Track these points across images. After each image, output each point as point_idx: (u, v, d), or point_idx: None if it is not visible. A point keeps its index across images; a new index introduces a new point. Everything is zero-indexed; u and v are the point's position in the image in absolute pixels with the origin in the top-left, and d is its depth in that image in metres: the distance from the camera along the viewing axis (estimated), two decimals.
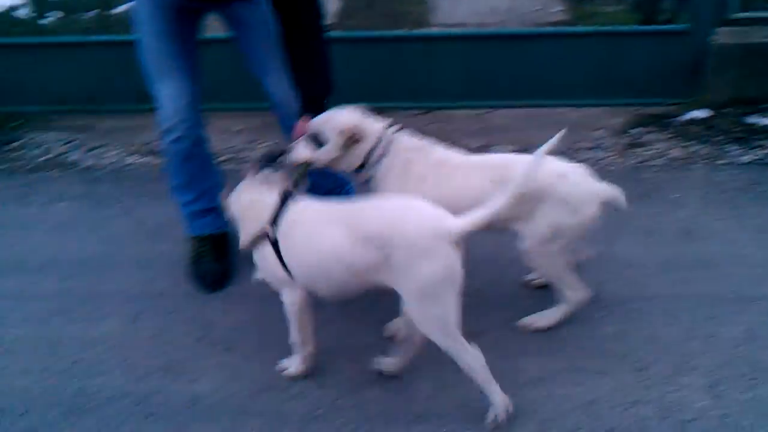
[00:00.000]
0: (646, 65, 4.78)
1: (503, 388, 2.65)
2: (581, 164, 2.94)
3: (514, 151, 4.39)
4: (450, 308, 2.44)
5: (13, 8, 6.54)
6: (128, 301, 3.28)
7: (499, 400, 2.60)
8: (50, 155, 4.71)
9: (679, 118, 4.72)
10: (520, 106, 4.93)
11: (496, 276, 3.38)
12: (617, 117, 4.83)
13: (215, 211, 3.45)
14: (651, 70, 4.77)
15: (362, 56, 4.50)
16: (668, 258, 3.48)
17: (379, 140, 3.00)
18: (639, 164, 4.31)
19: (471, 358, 2.53)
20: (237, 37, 3.36)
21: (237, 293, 3.36)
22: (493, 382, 2.58)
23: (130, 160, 4.67)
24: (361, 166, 3.03)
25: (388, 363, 2.85)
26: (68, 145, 4.84)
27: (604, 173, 4.13)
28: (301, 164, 3.01)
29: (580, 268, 3.20)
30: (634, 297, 3.24)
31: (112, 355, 3.00)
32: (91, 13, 6.57)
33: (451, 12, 4.95)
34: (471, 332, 3.00)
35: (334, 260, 2.50)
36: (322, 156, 3.00)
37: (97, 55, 4.93)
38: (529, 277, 3.34)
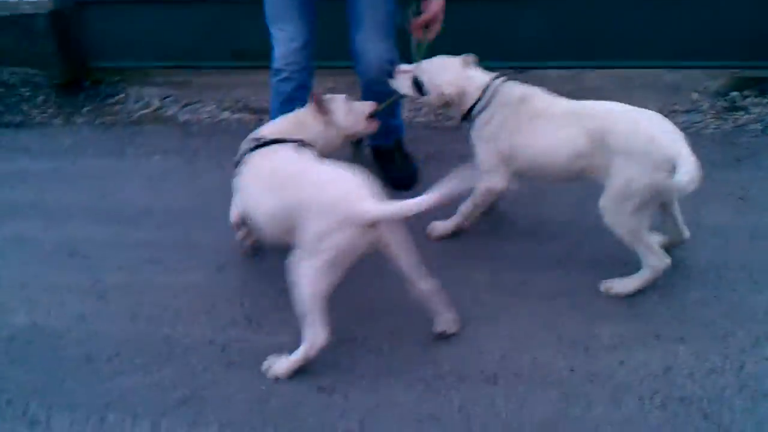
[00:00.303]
0: (748, 26, 4.58)
1: (576, 352, 2.66)
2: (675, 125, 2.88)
3: None
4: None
5: None
6: (215, 252, 3.40)
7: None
8: (148, 110, 4.88)
9: None
10: (615, 67, 4.80)
11: (581, 238, 3.35)
12: (715, 80, 4.66)
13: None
14: (753, 31, 4.57)
15: (452, 13, 4.46)
16: (758, 225, 3.37)
17: (484, 93, 3.12)
18: (735, 128, 4.17)
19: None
20: None
21: None
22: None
23: (224, 115, 4.79)
24: (465, 117, 3.17)
25: (446, 321, 2.90)
26: (166, 100, 4.99)
27: (698, 137, 4.07)
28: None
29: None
30: (720, 264, 3.16)
31: (199, 304, 3.12)
32: None
33: None
34: (550, 293, 3.03)
35: (269, 219, 2.74)
36: (422, 102, 3.25)
37: (196, 12, 5.04)
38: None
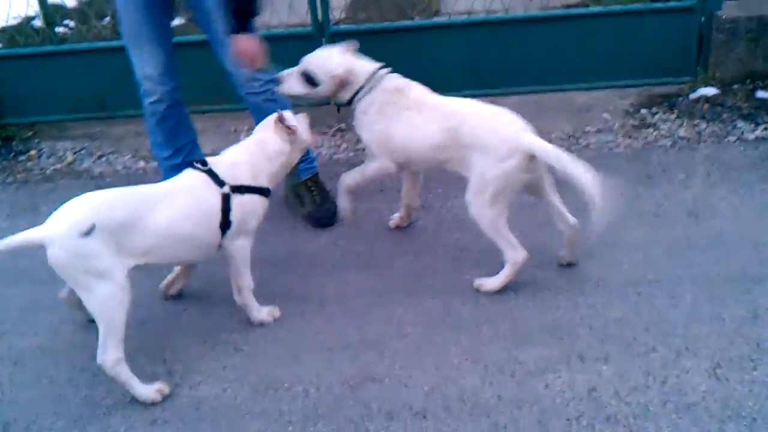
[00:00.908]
0: (654, 44, 4.73)
1: (502, 379, 2.68)
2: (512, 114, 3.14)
3: None
4: None
5: (29, 18, 6.62)
6: (135, 307, 3.29)
7: None
8: (62, 164, 4.77)
9: (687, 97, 4.66)
10: (527, 92, 4.89)
11: (500, 265, 3.37)
12: (625, 99, 4.78)
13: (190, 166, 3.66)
14: (659, 49, 4.72)
15: (371, 48, 4.50)
16: (674, 240, 3.45)
17: (368, 80, 3.35)
18: (646, 145, 4.27)
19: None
20: (197, 19, 3.67)
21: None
22: None
23: (140, 164, 4.71)
24: (350, 102, 3.39)
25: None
26: (80, 153, 4.90)
27: (611, 156, 4.16)
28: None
29: (587, 253, 3.20)
30: (639, 280, 3.22)
31: None
32: (105, 21, 6.63)
33: (458, 0, 4.93)
34: (474, 322, 3.04)
35: None
36: (314, 94, 3.39)
37: (106, 62, 4.98)
38: (559, 258, 3.38)
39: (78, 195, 2.78)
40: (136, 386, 2.82)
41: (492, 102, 3.26)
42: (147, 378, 2.92)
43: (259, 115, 3.52)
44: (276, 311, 3.22)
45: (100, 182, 4.51)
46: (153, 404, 2.81)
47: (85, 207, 2.70)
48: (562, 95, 4.88)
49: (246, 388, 2.86)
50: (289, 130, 3.17)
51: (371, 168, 3.43)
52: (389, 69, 3.42)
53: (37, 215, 4.12)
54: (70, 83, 5.05)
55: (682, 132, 4.34)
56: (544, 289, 3.20)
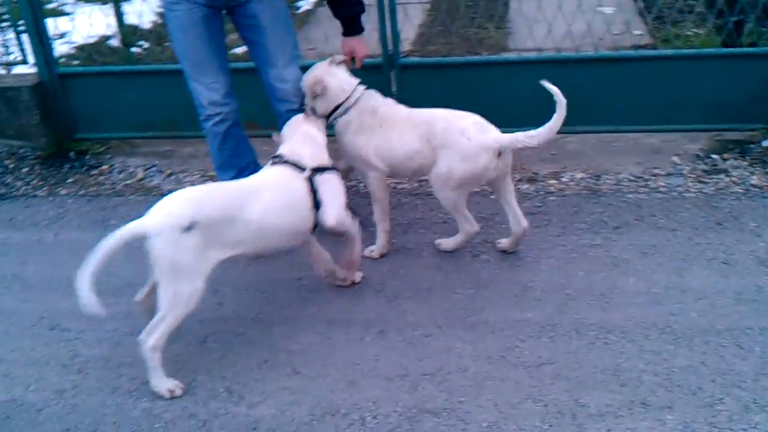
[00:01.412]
0: (726, 89, 4.63)
1: (562, 421, 2.63)
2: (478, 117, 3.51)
3: (585, 178, 4.36)
4: None
5: (106, 37, 6.82)
6: (198, 323, 3.35)
7: None
8: (132, 180, 4.87)
9: (759, 144, 4.57)
10: (596, 132, 4.85)
11: (564, 304, 3.34)
12: (696, 143, 4.70)
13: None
14: (730, 94, 4.63)
15: (439, 81, 4.54)
16: (744, 289, 3.37)
17: (349, 96, 3.65)
18: (716, 192, 4.18)
19: None
20: (248, 33, 3.80)
21: (302, 317, 3.41)
22: None
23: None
24: (328, 117, 3.69)
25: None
26: (150, 170, 5.00)
27: (680, 200, 4.09)
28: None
29: (653, 298, 3.15)
30: (706, 329, 3.14)
31: (180, 377, 3.06)
32: None
33: (528, 37, 4.92)
34: (535, 361, 3.00)
35: None
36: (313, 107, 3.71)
37: (178, 83, 5.06)
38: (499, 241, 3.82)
39: (147, 211, 2.87)
40: (156, 375, 2.98)
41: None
42: (207, 394, 2.95)
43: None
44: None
45: None
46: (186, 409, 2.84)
47: (187, 203, 2.90)
48: (630, 136, 4.83)
49: (303, 411, 2.86)
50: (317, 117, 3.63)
51: (372, 185, 3.70)
52: (365, 86, 3.73)
53: (106, 228, 4.20)
54: (143, 102, 5.16)
55: (754, 180, 4.25)
56: (609, 331, 3.15)
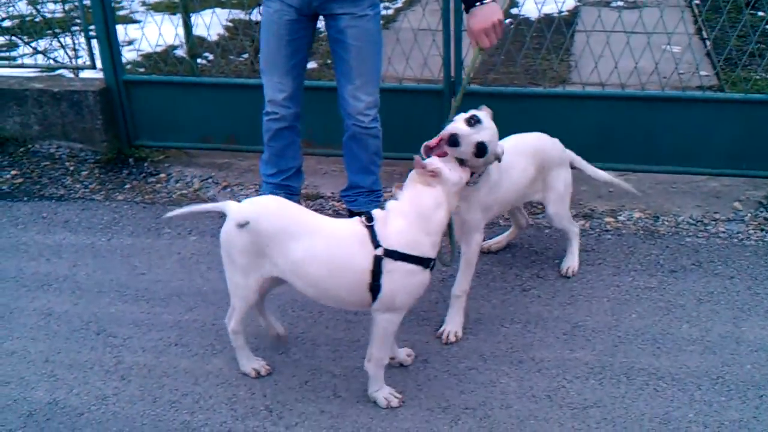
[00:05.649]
0: None
1: None
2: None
3: (643, 218, 4.27)
4: None
5: (173, 47, 6.92)
6: None
7: None
8: (188, 190, 4.91)
9: None
10: (656, 172, 4.76)
11: (615, 346, 3.26)
12: (759, 189, 4.58)
13: (287, 189, 4.08)
14: None
15: (499, 111, 4.51)
16: None
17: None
18: None
19: None
20: (334, 45, 3.81)
21: (347, 340, 3.38)
22: None
23: None
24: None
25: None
26: (206, 181, 5.04)
27: (740, 247, 3.98)
28: None
29: (706, 347, 3.07)
30: (761, 383, 3.04)
31: (220, 391, 3.07)
32: (243, 57, 6.88)
33: (592, 71, 4.86)
34: (581, 403, 2.93)
35: None
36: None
37: (241, 97, 5.13)
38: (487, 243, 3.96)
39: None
40: (242, 356, 3.17)
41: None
42: (246, 410, 2.95)
43: (349, 151, 4.00)
44: (394, 399, 2.97)
45: None
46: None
47: (253, 205, 2.96)
48: (691, 178, 4.73)
49: None
50: (432, 174, 2.78)
51: (477, 251, 3.40)
52: None
53: (159, 236, 4.26)
54: (204, 114, 5.21)
55: None
56: (659, 378, 3.06)
